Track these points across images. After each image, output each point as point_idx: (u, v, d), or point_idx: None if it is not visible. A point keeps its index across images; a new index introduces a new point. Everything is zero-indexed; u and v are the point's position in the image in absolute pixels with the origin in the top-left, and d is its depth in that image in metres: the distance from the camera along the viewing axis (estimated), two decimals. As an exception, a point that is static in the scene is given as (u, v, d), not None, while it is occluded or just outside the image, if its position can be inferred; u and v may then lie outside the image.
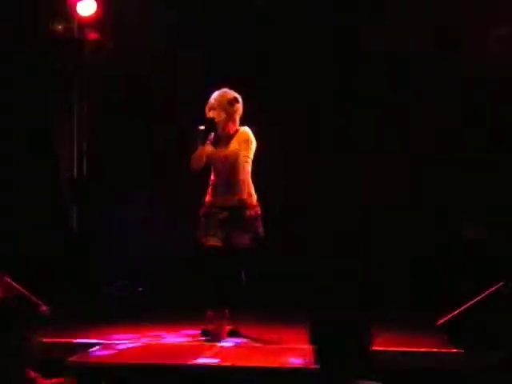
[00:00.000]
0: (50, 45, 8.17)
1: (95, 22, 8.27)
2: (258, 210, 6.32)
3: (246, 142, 6.30)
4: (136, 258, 8.12)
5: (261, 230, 6.30)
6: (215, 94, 6.31)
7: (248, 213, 6.28)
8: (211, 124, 6.23)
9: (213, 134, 6.28)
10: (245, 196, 6.28)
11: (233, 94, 6.31)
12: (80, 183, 8.56)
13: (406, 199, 8.00)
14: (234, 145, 6.30)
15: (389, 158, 8.03)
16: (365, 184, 8.13)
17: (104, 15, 8.24)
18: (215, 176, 6.34)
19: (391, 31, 7.89)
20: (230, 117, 6.29)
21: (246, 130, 6.34)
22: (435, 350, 5.79)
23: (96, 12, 8.22)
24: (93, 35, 8.29)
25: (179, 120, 7.83)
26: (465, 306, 6.26)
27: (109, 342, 6.00)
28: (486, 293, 6.24)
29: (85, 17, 8.26)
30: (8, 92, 8.03)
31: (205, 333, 6.31)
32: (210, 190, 6.36)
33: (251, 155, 6.30)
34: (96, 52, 8.31)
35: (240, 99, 6.32)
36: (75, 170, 8.57)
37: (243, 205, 6.28)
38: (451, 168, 8.03)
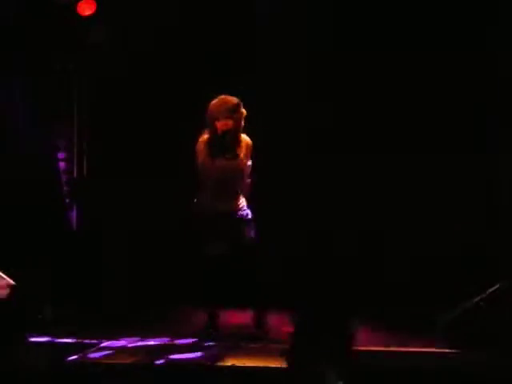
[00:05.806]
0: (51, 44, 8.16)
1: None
2: (250, 214, 6.35)
3: (248, 149, 6.28)
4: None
5: (254, 232, 6.34)
6: (216, 105, 6.19)
7: (245, 215, 6.30)
8: (225, 136, 6.19)
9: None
10: (243, 201, 6.32)
11: (234, 99, 6.20)
12: (80, 183, 8.54)
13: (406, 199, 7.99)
14: (242, 154, 6.24)
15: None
16: (365, 183, 8.07)
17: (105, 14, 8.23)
18: (217, 184, 6.25)
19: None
20: (238, 123, 6.20)
21: (246, 137, 6.31)
22: (435, 350, 5.79)
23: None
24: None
25: (180, 120, 7.83)
26: (465, 306, 6.26)
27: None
28: (486, 293, 6.24)
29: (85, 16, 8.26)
30: (8, 92, 8.03)
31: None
32: (206, 196, 6.31)
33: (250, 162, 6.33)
34: (96, 52, 8.29)
35: (241, 103, 6.22)
36: (75, 170, 8.55)
37: (241, 208, 6.29)
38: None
